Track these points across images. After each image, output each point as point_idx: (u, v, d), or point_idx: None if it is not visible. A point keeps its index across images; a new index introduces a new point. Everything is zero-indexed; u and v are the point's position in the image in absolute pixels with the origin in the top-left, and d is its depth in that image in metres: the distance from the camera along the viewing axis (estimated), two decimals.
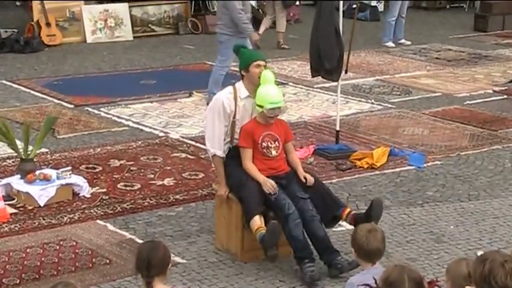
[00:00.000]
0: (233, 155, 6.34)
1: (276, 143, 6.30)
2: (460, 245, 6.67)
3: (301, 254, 6.01)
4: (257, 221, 6.05)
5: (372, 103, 10.99)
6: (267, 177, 6.19)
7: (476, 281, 3.66)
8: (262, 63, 6.36)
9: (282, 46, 14.90)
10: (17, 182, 7.45)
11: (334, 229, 6.59)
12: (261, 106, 6.19)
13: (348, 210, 6.34)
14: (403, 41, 15.20)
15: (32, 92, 11.42)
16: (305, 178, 6.26)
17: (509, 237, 6.82)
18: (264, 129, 6.27)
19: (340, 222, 6.59)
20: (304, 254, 6.01)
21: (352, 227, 6.46)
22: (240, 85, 6.41)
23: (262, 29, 15.00)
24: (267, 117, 6.24)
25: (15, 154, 7.86)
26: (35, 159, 7.83)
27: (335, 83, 9.15)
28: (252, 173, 6.21)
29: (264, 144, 6.25)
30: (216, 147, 6.35)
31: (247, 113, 6.35)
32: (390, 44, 15.01)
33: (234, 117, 6.33)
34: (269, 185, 6.10)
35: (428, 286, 4.02)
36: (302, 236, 6.03)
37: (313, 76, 9.00)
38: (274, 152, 6.29)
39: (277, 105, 6.20)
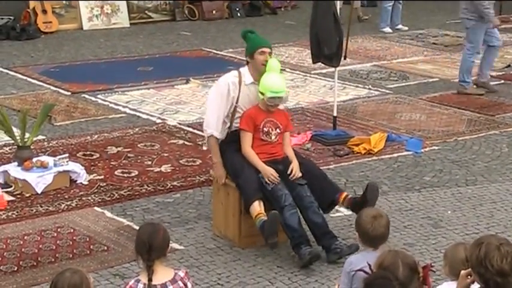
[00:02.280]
0: (231, 140, 6.34)
1: (277, 130, 6.30)
2: (457, 230, 6.68)
3: (298, 241, 6.02)
4: (256, 207, 6.05)
5: (369, 89, 10.99)
6: (265, 161, 6.19)
7: (472, 265, 3.67)
8: (267, 50, 6.33)
9: (363, 19, 15.07)
10: (14, 170, 7.45)
11: (332, 215, 6.60)
12: (262, 93, 6.19)
13: (345, 194, 6.34)
14: (400, 26, 15.18)
15: (29, 79, 11.40)
16: (291, 171, 6.22)
17: (506, 222, 6.83)
18: (266, 115, 6.27)
19: (338, 208, 6.60)
20: (301, 240, 6.02)
21: (350, 212, 6.48)
22: (245, 70, 6.39)
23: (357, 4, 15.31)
24: (267, 105, 6.24)
25: (12, 141, 7.86)
26: (32, 147, 7.82)
27: (332, 69, 9.15)
28: (251, 159, 6.21)
29: (265, 129, 6.25)
30: (214, 127, 6.34)
31: (249, 99, 6.33)
32: (387, 29, 14.99)
33: (236, 101, 6.33)
34: (269, 174, 6.10)
35: (422, 271, 4.02)
36: (298, 224, 6.03)
37: (314, 62, 8.99)
38: (274, 138, 6.28)
39: (278, 94, 6.20)
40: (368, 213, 4.76)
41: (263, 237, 5.96)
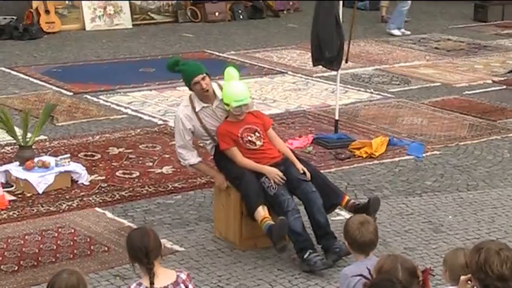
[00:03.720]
0: (222, 152, 6.35)
1: (257, 133, 6.27)
2: (458, 235, 6.68)
3: (303, 245, 6.01)
4: (261, 212, 6.04)
5: (371, 92, 10.99)
6: (266, 165, 6.19)
7: (472, 270, 3.67)
8: (199, 78, 6.27)
9: (386, 19, 15.14)
10: (15, 169, 7.45)
11: (333, 218, 6.59)
12: (227, 105, 6.20)
13: (347, 198, 6.35)
14: (403, 30, 15.18)
15: (31, 79, 11.40)
16: (303, 172, 6.25)
17: (507, 227, 6.82)
18: (239, 125, 6.25)
19: (339, 211, 6.60)
20: (306, 244, 6.01)
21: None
22: (193, 97, 6.41)
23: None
24: (235, 115, 6.24)
25: (14, 141, 7.85)
26: (33, 147, 7.83)
27: (334, 72, 9.14)
28: (251, 166, 6.19)
29: (245, 139, 6.23)
30: (188, 158, 6.47)
31: (212, 117, 6.36)
32: (397, 32, 14.98)
33: (201, 123, 6.35)
34: (275, 175, 6.10)
35: (422, 275, 4.03)
36: (301, 229, 6.03)
37: (314, 65, 8.99)
38: (258, 142, 6.26)
39: (243, 102, 6.18)
40: (355, 220, 4.75)
41: (271, 242, 5.95)
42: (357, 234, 4.64)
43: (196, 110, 6.33)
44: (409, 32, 15.11)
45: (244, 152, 6.23)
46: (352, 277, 4.37)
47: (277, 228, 5.88)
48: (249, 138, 6.24)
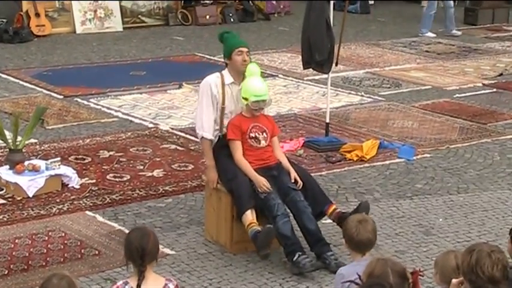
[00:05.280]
0: (223, 145, 6.34)
1: (264, 134, 6.30)
2: (448, 238, 6.69)
3: (291, 249, 6.01)
4: (249, 216, 6.05)
5: (362, 96, 11.00)
6: (258, 168, 6.19)
7: (463, 272, 3.68)
8: (244, 49, 6.35)
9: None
10: (5, 173, 7.43)
11: (323, 221, 6.59)
12: (245, 99, 6.21)
13: (333, 207, 6.35)
14: (454, 31, 15.44)
15: (21, 82, 11.37)
16: (295, 181, 6.25)
17: (497, 230, 6.84)
18: (251, 121, 6.28)
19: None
20: (294, 247, 6.01)
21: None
22: (225, 72, 6.43)
23: None
24: (252, 110, 6.25)
25: (4, 144, 7.83)
26: (23, 150, 7.80)
27: (325, 75, 9.15)
28: (243, 168, 6.19)
29: (252, 134, 6.25)
30: (205, 129, 6.36)
31: (233, 99, 6.36)
32: (430, 34, 15.27)
33: (222, 103, 6.34)
34: (261, 185, 6.10)
35: (412, 276, 4.03)
36: (291, 232, 6.03)
37: (304, 68, 8.99)
38: (263, 142, 6.29)
39: (262, 98, 6.21)
40: (354, 218, 4.78)
41: (255, 248, 5.96)
42: (354, 232, 4.66)
43: (227, 83, 6.32)
44: (460, 33, 15.44)
45: (246, 149, 6.24)
46: (343, 283, 4.39)
47: (263, 235, 5.89)
48: (256, 135, 6.26)
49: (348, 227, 4.71)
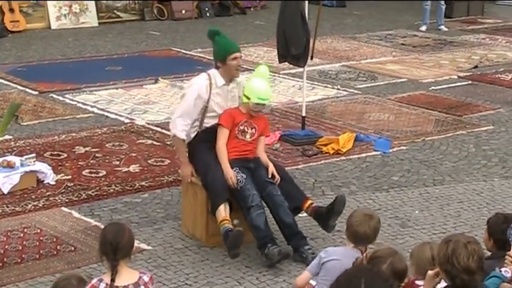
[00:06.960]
0: (203, 139, 6.32)
1: (253, 130, 6.31)
2: (425, 230, 6.71)
3: (263, 241, 6.03)
4: (222, 212, 6.04)
5: (338, 89, 11.02)
6: (237, 158, 6.20)
7: (439, 262, 3.70)
8: (239, 55, 6.35)
9: None
10: None
11: (299, 215, 6.59)
12: (247, 97, 6.21)
13: (309, 202, 6.36)
14: (441, 27, 15.49)
15: None
16: (273, 175, 6.25)
17: (473, 222, 6.87)
18: (245, 117, 6.31)
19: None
20: (266, 240, 6.02)
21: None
22: (215, 73, 6.37)
23: None
24: (250, 110, 6.26)
25: None
26: None
27: (301, 69, 9.15)
28: (220, 156, 6.20)
29: (241, 127, 6.27)
30: (178, 128, 6.33)
31: (218, 100, 6.34)
32: (423, 27, 15.34)
33: (207, 102, 6.32)
34: (228, 178, 6.10)
35: (406, 282, 4.10)
36: (264, 225, 6.05)
37: (280, 62, 9.00)
38: (248, 137, 6.30)
39: (264, 102, 6.28)
40: (363, 210, 4.96)
41: (226, 247, 5.96)
42: (355, 221, 4.74)
43: (219, 85, 6.31)
44: (446, 29, 15.47)
45: (230, 137, 6.25)
46: (329, 260, 4.57)
47: (232, 237, 5.91)
48: (245, 129, 6.28)
49: (354, 215, 4.83)
